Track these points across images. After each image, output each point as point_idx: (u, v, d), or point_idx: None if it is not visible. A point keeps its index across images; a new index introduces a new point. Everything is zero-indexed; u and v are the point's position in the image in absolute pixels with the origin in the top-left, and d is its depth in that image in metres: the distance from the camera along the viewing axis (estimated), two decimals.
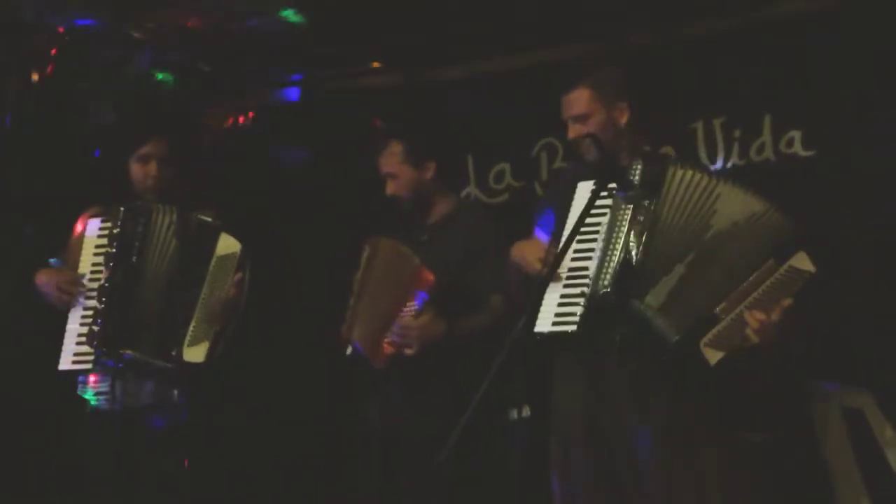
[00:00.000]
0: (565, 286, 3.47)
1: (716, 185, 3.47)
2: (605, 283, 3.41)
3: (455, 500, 4.12)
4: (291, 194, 5.59)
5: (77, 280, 4.22)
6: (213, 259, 4.26)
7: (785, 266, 3.35)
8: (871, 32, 4.49)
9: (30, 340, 4.62)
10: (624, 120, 3.66)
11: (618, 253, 3.42)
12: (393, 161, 4.36)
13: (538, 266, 3.56)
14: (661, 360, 3.35)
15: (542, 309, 3.45)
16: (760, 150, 4.82)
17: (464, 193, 5.42)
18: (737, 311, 3.33)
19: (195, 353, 4.13)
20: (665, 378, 3.42)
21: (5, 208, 5.16)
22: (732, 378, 3.42)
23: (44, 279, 4.26)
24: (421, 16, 5.07)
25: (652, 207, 3.44)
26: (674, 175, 3.48)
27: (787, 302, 3.31)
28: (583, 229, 3.37)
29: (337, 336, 4.32)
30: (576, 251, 3.45)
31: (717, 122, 4.91)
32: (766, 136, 4.80)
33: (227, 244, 4.29)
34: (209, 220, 4.30)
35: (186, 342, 4.14)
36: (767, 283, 3.34)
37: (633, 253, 3.40)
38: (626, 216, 3.45)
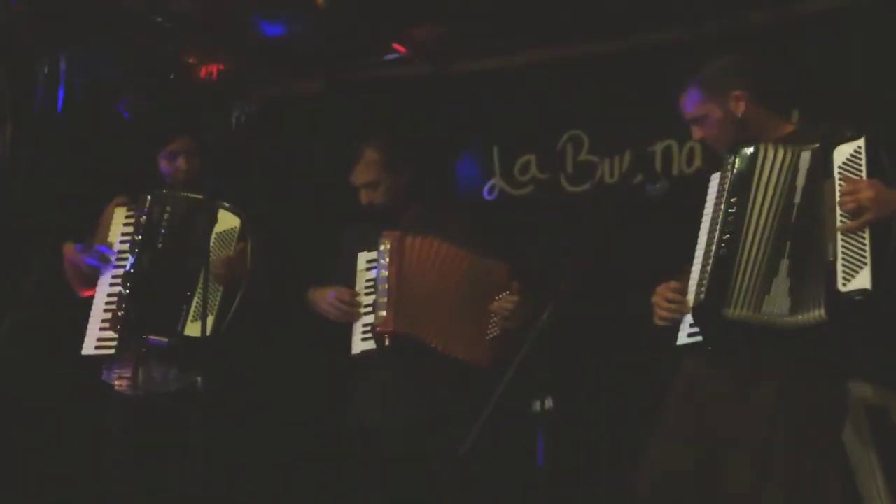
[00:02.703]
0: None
1: (798, 157, 3.33)
2: (702, 292, 3.31)
3: (477, 493, 4.16)
4: (314, 188, 5.60)
5: (107, 247, 4.28)
6: (213, 235, 4.26)
7: None
8: None
9: (55, 326, 4.64)
10: (741, 108, 3.47)
11: (711, 255, 3.33)
12: (371, 171, 4.35)
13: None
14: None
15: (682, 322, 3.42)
16: None
17: (489, 185, 5.43)
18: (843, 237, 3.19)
19: (199, 328, 4.11)
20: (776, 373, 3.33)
21: (35, 197, 5.19)
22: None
23: (71, 250, 4.30)
24: (448, 8, 5.08)
25: (737, 200, 3.33)
26: (764, 158, 3.34)
27: None
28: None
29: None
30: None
31: None
32: None
33: (226, 220, 4.32)
34: (200, 197, 4.32)
35: (191, 318, 4.19)
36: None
37: (723, 253, 3.31)
38: (718, 216, 3.36)
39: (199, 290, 4.13)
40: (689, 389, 3.46)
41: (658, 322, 3.50)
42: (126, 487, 4.26)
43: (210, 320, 4.17)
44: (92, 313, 4.26)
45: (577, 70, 5.20)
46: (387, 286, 4.19)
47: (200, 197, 4.33)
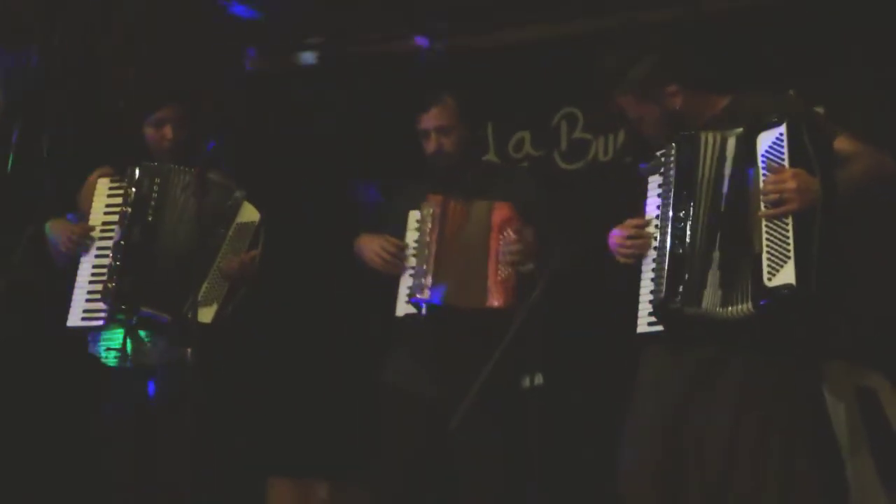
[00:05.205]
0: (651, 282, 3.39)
1: (725, 143, 3.34)
2: (661, 289, 3.31)
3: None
4: (311, 159, 5.60)
5: (86, 231, 4.24)
6: (233, 225, 4.30)
7: None
8: None
9: (43, 294, 4.63)
10: (679, 102, 3.46)
11: (667, 251, 3.33)
12: (447, 115, 4.32)
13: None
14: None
15: (639, 308, 3.41)
16: None
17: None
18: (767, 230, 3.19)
19: (204, 314, 4.14)
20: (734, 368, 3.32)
21: (27, 161, 5.17)
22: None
23: (55, 226, 4.28)
24: None
25: (684, 192, 3.33)
26: (705, 147, 3.34)
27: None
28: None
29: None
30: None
31: None
32: None
33: (248, 212, 4.34)
34: (233, 189, 4.35)
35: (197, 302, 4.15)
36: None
37: (677, 249, 3.31)
38: (668, 210, 3.35)
39: (210, 276, 4.19)
40: (655, 386, 3.44)
41: (622, 260, 3.49)
42: (119, 461, 4.24)
43: (214, 308, 4.21)
44: (77, 284, 4.22)
45: (573, 47, 5.18)
46: (426, 252, 4.20)
47: (221, 181, 4.33)
